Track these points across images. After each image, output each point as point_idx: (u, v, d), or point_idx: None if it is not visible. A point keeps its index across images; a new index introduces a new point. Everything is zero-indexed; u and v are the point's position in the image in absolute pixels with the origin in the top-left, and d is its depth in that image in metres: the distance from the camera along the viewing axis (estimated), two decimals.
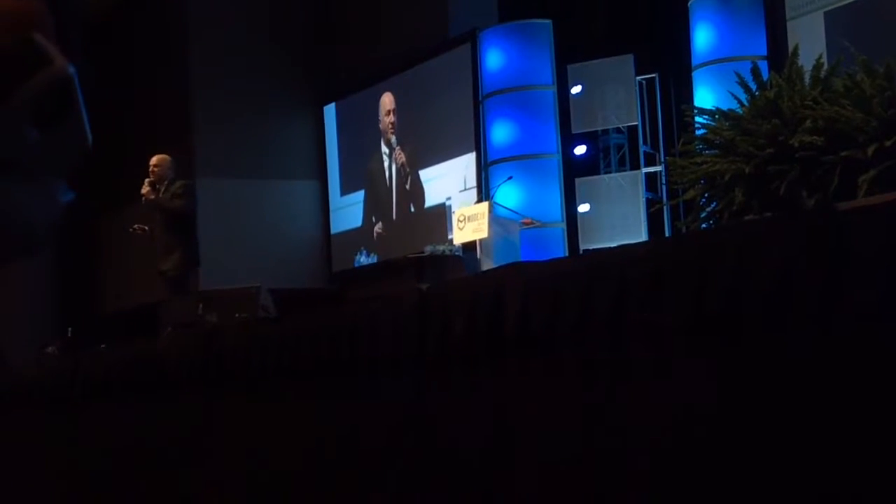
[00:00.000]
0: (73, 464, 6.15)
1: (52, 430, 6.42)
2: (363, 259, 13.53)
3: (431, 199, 12.35)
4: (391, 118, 13.39)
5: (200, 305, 6.60)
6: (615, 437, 3.17)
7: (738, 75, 7.35)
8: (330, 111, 14.22)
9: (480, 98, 11.76)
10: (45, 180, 0.98)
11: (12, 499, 6.72)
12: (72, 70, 0.97)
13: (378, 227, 13.48)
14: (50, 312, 14.36)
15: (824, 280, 2.67)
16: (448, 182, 12.02)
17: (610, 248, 3.55)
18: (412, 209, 12.86)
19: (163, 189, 8.05)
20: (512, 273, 3.67)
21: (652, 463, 3.05)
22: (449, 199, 11.01)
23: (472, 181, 11.61)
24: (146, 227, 8.13)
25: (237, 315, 6.19)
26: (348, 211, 13.95)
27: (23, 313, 14.24)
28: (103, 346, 6.63)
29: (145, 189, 8.08)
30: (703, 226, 7.07)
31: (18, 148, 0.94)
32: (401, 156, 13.16)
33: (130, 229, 8.35)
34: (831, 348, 2.66)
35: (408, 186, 13.01)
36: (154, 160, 8.20)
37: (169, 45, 14.48)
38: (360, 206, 13.77)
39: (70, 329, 10.98)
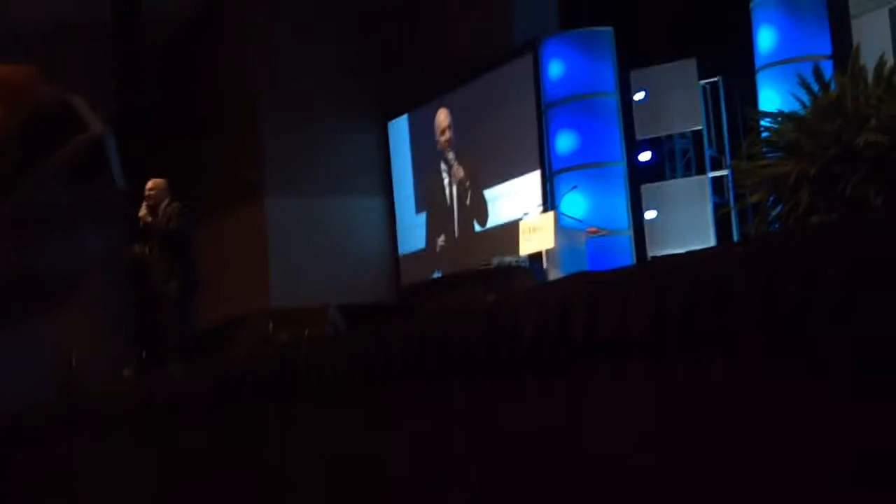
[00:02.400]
0: (151, 483, 6.25)
1: (131, 450, 6.52)
2: (438, 275, 13.54)
3: (501, 217, 12.32)
4: (446, 136, 13.42)
5: (271, 324, 6.67)
6: (686, 441, 3.17)
7: (800, 76, 7.29)
8: (400, 126, 14.31)
9: (543, 108, 11.78)
10: (77, 231, 1.03)
11: None
12: (106, 132, 1.02)
13: (441, 244, 13.51)
14: (125, 334, 14.59)
15: (892, 280, 2.65)
16: (518, 199, 11.98)
17: (677, 254, 3.54)
18: (476, 226, 12.87)
19: (161, 212, 8.09)
20: (579, 281, 3.69)
21: (723, 467, 3.05)
22: (527, 213, 11.01)
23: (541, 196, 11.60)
24: (145, 248, 8.10)
25: (307, 332, 6.26)
26: (423, 229, 13.99)
27: (98, 335, 14.48)
28: (176, 366, 6.73)
29: (142, 212, 8.11)
30: (771, 229, 7.02)
31: (51, 208, 0.99)
32: (459, 171, 13.19)
33: (128, 248, 8.31)
34: None
35: (468, 203, 13.03)
36: (149, 184, 8.25)
37: (236, 64, 14.68)
38: (425, 226, 13.80)
39: (144, 351, 11.15)
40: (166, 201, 8.18)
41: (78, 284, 1.06)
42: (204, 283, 8.67)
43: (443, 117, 13.53)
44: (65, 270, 1.03)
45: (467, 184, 13.12)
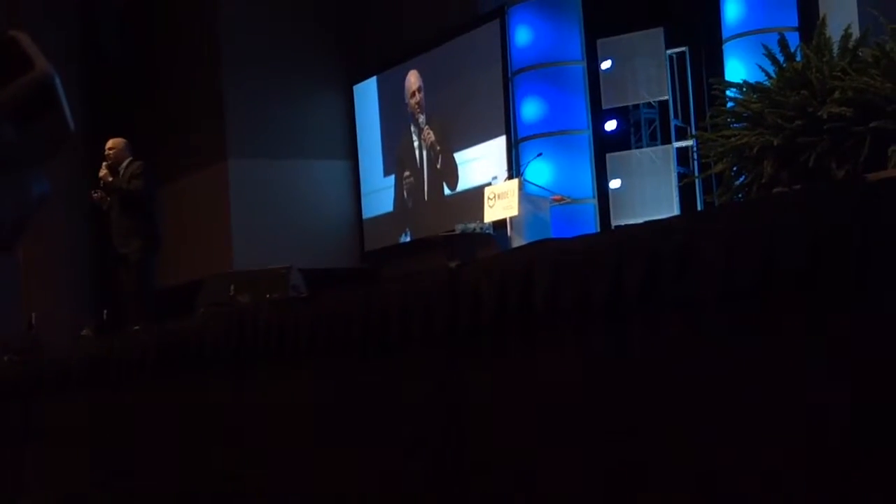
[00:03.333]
0: (108, 443, 6.22)
1: (87, 411, 6.49)
2: (407, 239, 13.50)
3: (470, 182, 12.29)
4: (416, 98, 13.35)
5: (232, 286, 6.62)
6: (647, 408, 3.18)
7: (766, 47, 7.29)
8: (368, 88, 14.22)
9: (510, 75, 11.74)
10: (20, 174, 1.01)
11: (54, 472, 6.80)
12: (52, 71, 0.99)
13: (410, 207, 13.45)
14: (86, 294, 14.49)
15: (857, 249, 2.66)
16: (487, 164, 11.97)
17: (640, 223, 3.54)
18: (445, 190, 12.84)
19: (122, 171, 7.98)
20: (541, 249, 3.68)
21: (683, 434, 3.06)
22: (495, 178, 10.96)
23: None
24: (106, 197, 7.95)
25: (268, 295, 6.22)
26: (391, 192, 13.92)
27: (59, 296, 14.38)
28: (137, 327, 6.67)
29: (103, 172, 7.99)
30: (735, 199, 7.04)
31: None
32: (429, 135, 13.13)
33: (90, 192, 8.19)
34: (868, 314, 2.65)
35: (439, 166, 12.98)
36: (109, 143, 8.12)
37: (198, 24, 14.51)
38: (394, 188, 13.74)
39: (105, 311, 11.07)
40: (127, 161, 8.06)
41: (23, 229, 1.04)
42: (166, 244, 8.59)
43: (413, 79, 13.47)
44: (9, 214, 1.00)
45: (438, 148, 13.07)
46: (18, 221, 1.04)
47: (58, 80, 1.00)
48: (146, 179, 7.92)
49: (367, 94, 14.39)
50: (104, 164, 8.06)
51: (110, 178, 7.96)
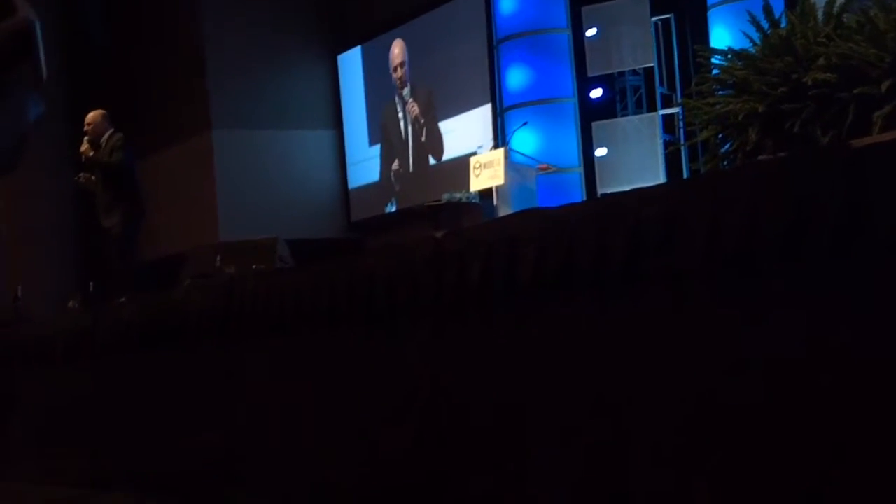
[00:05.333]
0: (94, 414, 6.21)
1: (72, 382, 6.48)
2: (392, 209, 13.48)
3: (456, 151, 12.26)
4: (399, 73, 13.32)
5: (218, 257, 6.61)
6: (631, 379, 3.18)
7: (750, 14, 7.27)
8: (352, 58, 14.15)
9: (495, 43, 11.70)
10: (13, 99, 1.02)
11: (37, 443, 6.80)
12: (34, 19, 1.00)
13: (395, 178, 13.43)
14: (72, 267, 14.45)
15: (841, 215, 2.66)
16: (473, 133, 11.94)
17: (625, 191, 3.53)
18: (431, 160, 12.82)
19: (104, 144, 7.93)
20: (526, 219, 3.67)
21: (660, 409, 3.06)
22: (481, 146, 10.94)
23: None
24: (91, 177, 7.91)
25: (255, 266, 6.21)
26: (376, 162, 13.88)
27: (45, 268, 14.34)
28: (123, 299, 6.66)
29: (84, 147, 7.94)
30: (720, 166, 7.04)
31: None
32: (413, 108, 13.09)
33: (75, 179, 8.16)
34: (852, 278, 2.66)
35: (423, 138, 12.95)
36: (87, 118, 8.07)
37: None
38: (379, 158, 13.70)
39: (91, 283, 11.05)
40: (108, 133, 8.00)
41: (21, 152, 1.05)
42: (151, 216, 8.56)
43: (397, 51, 13.41)
44: (8, 136, 1.01)
45: (422, 121, 13.05)
46: (16, 145, 1.06)
47: (38, 29, 1.01)
48: (126, 152, 7.87)
49: (351, 63, 14.34)
50: (85, 138, 8.01)
51: (91, 153, 7.92)
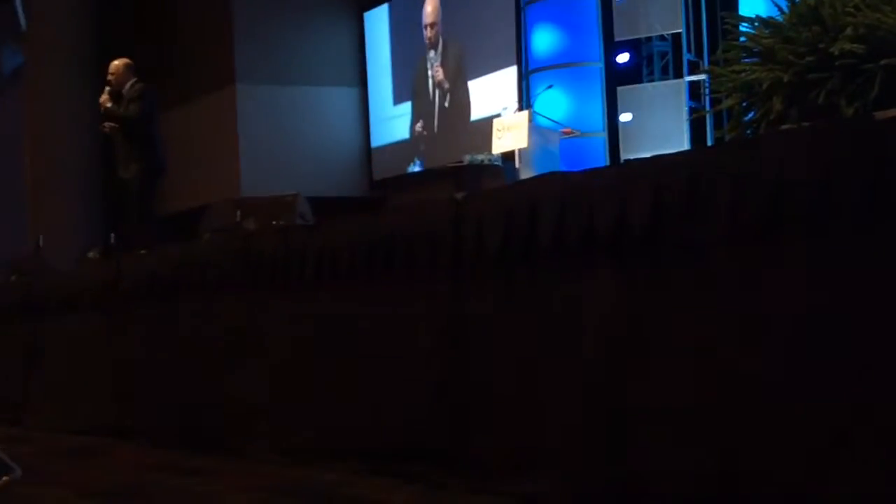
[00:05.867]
0: (112, 364, 6.27)
1: (95, 331, 6.53)
2: (416, 168, 13.45)
3: (481, 112, 12.20)
4: (429, 32, 13.24)
5: (239, 212, 6.61)
6: (649, 344, 3.19)
7: None
8: (379, 15, 14.08)
9: (522, 4, 11.62)
10: None
11: (59, 392, 6.87)
12: None
13: (419, 139, 13.41)
14: (94, 218, 14.49)
15: (864, 185, 2.65)
16: (498, 94, 11.88)
17: (646, 157, 3.52)
18: (455, 121, 12.78)
19: (125, 95, 7.88)
20: (547, 183, 3.67)
21: (678, 376, 3.07)
22: (505, 108, 10.88)
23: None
24: (116, 126, 7.87)
25: (274, 222, 6.21)
26: (401, 121, 13.87)
27: (67, 218, 14.40)
28: (143, 251, 6.69)
29: (103, 97, 7.89)
30: (745, 134, 6.99)
31: None
32: (438, 72, 13.05)
33: (100, 127, 8.12)
34: (877, 248, 2.65)
35: (447, 102, 12.92)
36: (111, 67, 8.01)
37: None
38: (410, 116, 13.68)
39: (113, 234, 11.09)
40: (130, 83, 7.97)
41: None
42: (173, 169, 8.56)
43: (430, 9, 13.35)
44: None
45: (446, 86, 13.03)
46: None
47: None
48: (144, 103, 7.81)
49: (377, 21, 14.28)
50: (106, 88, 7.98)
51: (109, 104, 7.89)
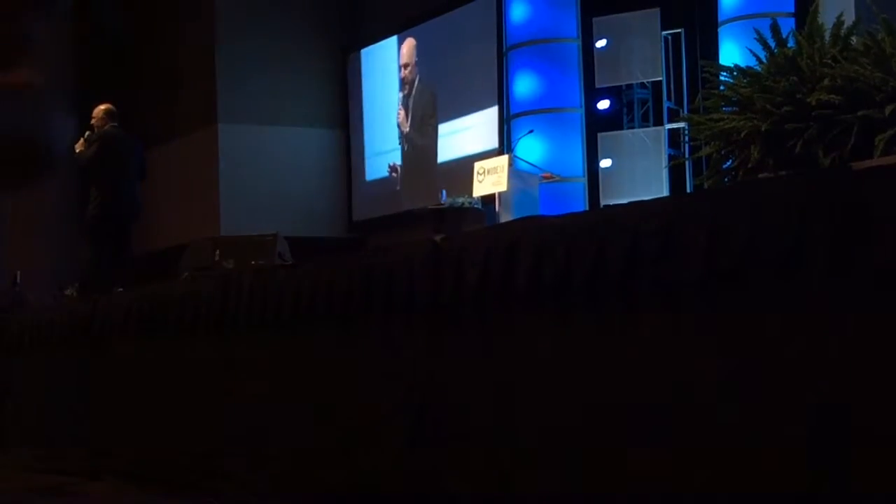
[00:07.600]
0: (89, 402, 6.22)
1: (70, 368, 6.49)
2: (395, 210, 13.50)
3: (461, 152, 12.26)
4: (404, 73, 13.32)
5: (217, 251, 6.61)
6: (624, 390, 3.19)
7: (758, 32, 7.29)
8: (362, 57, 14.09)
9: (505, 50, 11.70)
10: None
11: (33, 430, 6.81)
12: None
13: (400, 177, 13.44)
14: (72, 254, 14.44)
15: (839, 236, 2.67)
16: (478, 135, 11.94)
17: (624, 203, 3.55)
18: (435, 159, 12.83)
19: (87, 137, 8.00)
20: (526, 226, 3.69)
21: (657, 418, 3.07)
22: (485, 150, 10.94)
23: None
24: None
25: (253, 262, 6.22)
26: (381, 161, 13.82)
27: (45, 255, 14.34)
28: (121, 289, 6.67)
29: (79, 141, 7.99)
30: (723, 182, 7.05)
31: None
32: (401, 114, 13.23)
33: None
34: (850, 302, 2.66)
35: (419, 141, 13.03)
36: (94, 111, 8.11)
37: None
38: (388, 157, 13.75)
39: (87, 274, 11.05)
40: (106, 127, 8.06)
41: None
42: (153, 208, 8.58)
43: (405, 51, 13.44)
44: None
45: (405, 129, 13.17)
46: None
47: None
48: (99, 146, 7.92)
49: (360, 63, 14.35)
50: (86, 133, 8.11)
51: (79, 148, 8.02)
